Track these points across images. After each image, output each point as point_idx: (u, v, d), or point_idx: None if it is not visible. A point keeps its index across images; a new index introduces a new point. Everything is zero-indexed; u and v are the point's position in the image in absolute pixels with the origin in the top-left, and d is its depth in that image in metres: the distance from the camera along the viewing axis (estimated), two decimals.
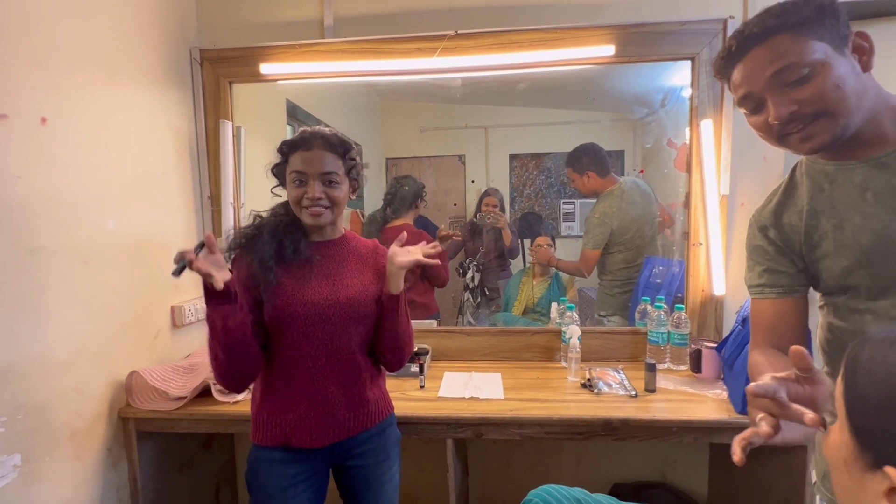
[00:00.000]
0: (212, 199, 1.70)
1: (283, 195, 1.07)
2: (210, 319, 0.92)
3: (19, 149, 1.06)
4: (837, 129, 0.69)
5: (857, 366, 0.44)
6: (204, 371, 1.37)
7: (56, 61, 1.15)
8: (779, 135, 0.73)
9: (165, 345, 1.51)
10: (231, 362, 0.95)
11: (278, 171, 1.06)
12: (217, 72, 1.66)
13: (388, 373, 1.21)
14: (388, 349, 1.09)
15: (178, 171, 1.60)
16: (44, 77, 1.12)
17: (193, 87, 1.66)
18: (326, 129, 1.04)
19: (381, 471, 1.11)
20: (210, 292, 0.89)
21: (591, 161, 1.94)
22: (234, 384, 1.01)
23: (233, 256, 1.05)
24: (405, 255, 1.06)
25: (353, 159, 1.07)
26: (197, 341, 1.66)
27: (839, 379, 0.46)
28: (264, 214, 1.08)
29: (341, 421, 1.04)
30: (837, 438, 0.46)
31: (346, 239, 1.11)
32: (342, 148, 1.04)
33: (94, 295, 1.24)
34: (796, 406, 0.54)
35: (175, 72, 1.58)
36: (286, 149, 1.03)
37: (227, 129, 1.65)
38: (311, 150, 1.00)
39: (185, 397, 1.32)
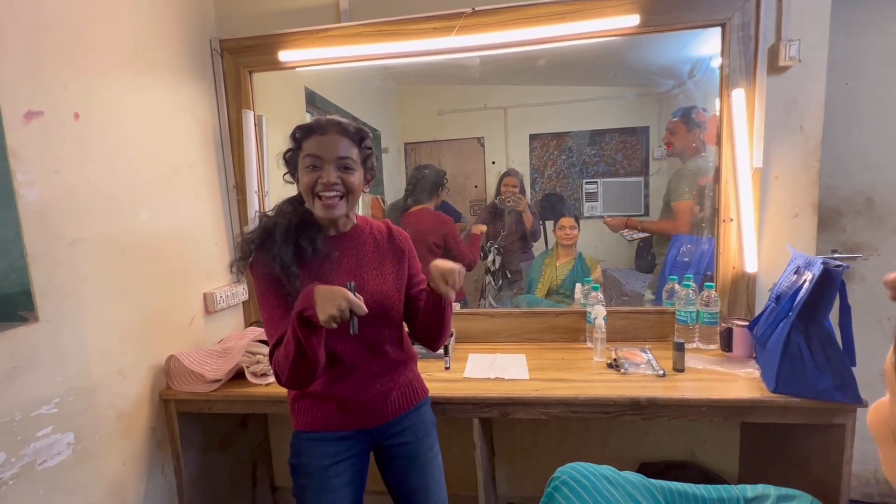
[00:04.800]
0: (237, 188, 1.73)
1: (294, 184, 1.04)
2: (310, 347, 0.88)
3: (55, 144, 1.10)
4: None
5: None
6: (237, 355, 1.42)
7: (86, 58, 1.19)
8: None
9: (200, 330, 1.57)
10: (312, 376, 0.94)
11: (290, 158, 1.02)
12: (237, 61, 1.67)
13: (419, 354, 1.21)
14: (425, 333, 1.09)
15: (204, 162, 1.63)
16: (75, 74, 1.15)
17: (215, 78, 1.68)
18: (342, 118, 1.01)
19: (424, 448, 1.11)
20: (312, 324, 0.86)
21: (699, 127, 1.88)
22: (304, 386, 0.98)
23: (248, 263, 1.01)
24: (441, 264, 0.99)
25: (370, 148, 1.03)
26: (229, 326, 1.72)
27: (890, 350, 0.44)
28: (270, 214, 1.04)
29: (378, 407, 1.06)
30: (886, 412, 0.44)
31: (360, 228, 1.08)
32: (358, 135, 1.01)
33: (131, 283, 1.30)
34: None
35: (197, 63, 1.61)
36: (300, 134, 0.99)
37: (249, 118, 1.67)
38: (326, 134, 0.97)
39: (220, 380, 1.38)
